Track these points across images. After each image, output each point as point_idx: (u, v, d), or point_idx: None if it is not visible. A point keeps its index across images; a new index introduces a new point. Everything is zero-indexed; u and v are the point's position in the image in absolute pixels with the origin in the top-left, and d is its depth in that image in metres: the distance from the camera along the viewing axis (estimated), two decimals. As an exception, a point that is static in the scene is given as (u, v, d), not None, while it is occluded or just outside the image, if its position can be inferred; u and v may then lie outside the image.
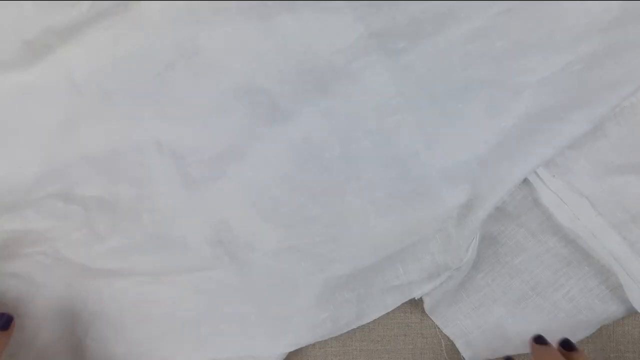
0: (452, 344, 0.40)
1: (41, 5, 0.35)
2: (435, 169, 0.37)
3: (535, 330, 0.38)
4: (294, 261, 0.39)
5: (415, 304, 0.40)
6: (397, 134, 0.37)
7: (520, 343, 0.39)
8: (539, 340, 0.36)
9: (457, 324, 0.40)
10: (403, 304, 0.39)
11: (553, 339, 0.36)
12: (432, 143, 0.37)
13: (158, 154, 0.38)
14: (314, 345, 0.40)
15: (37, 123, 0.38)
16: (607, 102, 0.36)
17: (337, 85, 0.37)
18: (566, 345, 0.36)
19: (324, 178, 0.38)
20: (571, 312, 0.39)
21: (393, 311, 0.40)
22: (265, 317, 0.39)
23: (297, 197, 0.38)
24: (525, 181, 0.38)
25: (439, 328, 0.40)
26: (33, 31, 0.36)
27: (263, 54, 0.37)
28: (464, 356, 0.40)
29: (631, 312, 0.38)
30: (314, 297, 0.38)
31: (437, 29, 0.36)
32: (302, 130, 0.37)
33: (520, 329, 0.39)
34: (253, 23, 0.36)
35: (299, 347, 0.39)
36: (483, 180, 0.38)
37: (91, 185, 0.38)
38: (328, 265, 0.38)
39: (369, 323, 0.40)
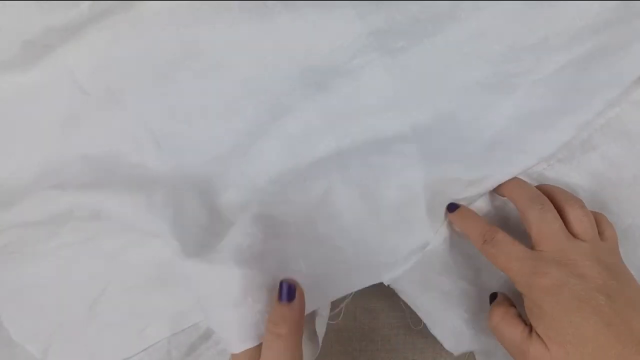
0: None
1: (41, 5, 0.35)
2: (420, 176, 0.37)
3: None
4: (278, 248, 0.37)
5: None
6: (390, 135, 0.38)
7: None
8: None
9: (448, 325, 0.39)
10: (405, 305, 0.40)
11: None
12: (423, 147, 0.37)
13: (158, 154, 0.38)
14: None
15: (38, 123, 0.38)
16: (592, 106, 0.36)
17: (336, 84, 0.37)
18: None
19: (314, 172, 0.38)
20: None
21: (393, 311, 0.40)
22: None
23: (286, 193, 0.38)
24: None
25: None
26: (33, 31, 0.36)
27: (264, 53, 0.37)
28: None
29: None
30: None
31: (436, 29, 0.36)
32: (300, 125, 0.38)
33: None
34: (254, 22, 0.36)
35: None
36: (463, 193, 0.38)
37: (88, 184, 0.38)
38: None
39: (369, 323, 0.40)
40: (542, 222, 0.32)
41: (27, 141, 0.38)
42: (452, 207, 0.37)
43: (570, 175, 0.38)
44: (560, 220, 0.32)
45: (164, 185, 0.38)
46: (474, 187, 0.38)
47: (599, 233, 0.33)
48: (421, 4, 0.36)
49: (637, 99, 0.37)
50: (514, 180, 0.36)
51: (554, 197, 0.34)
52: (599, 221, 0.33)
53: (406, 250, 0.38)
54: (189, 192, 0.38)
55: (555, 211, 0.32)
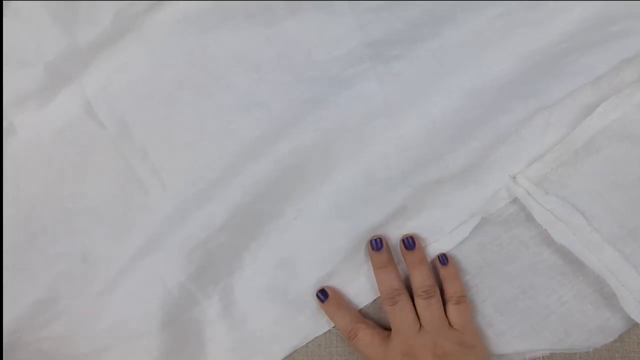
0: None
1: (61, 25, 0.35)
2: (398, 173, 0.38)
3: (524, 329, 0.39)
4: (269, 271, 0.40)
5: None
6: (374, 140, 0.38)
7: (512, 338, 0.39)
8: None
9: None
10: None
11: (543, 339, 0.35)
12: (409, 158, 0.38)
13: (162, 194, 0.38)
14: (319, 345, 0.41)
15: (52, 165, 0.38)
16: (556, 93, 0.37)
17: (329, 94, 0.38)
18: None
19: (302, 184, 0.39)
20: (563, 315, 0.39)
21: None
22: None
23: (277, 206, 0.39)
24: (515, 199, 0.39)
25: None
26: (54, 52, 0.36)
27: (264, 64, 0.37)
28: None
29: (632, 326, 0.38)
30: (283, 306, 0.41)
31: (433, 33, 0.36)
32: (291, 143, 0.38)
33: (509, 326, 0.39)
34: (259, 29, 0.36)
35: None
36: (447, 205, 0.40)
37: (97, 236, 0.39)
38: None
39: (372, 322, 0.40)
40: (394, 317, 0.38)
41: (41, 185, 0.38)
42: (322, 296, 0.39)
43: (574, 178, 0.37)
44: (412, 313, 0.38)
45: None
46: (456, 200, 0.39)
47: (451, 318, 0.38)
48: (422, 7, 0.36)
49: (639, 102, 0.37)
50: (378, 272, 0.39)
51: (412, 283, 0.38)
52: (453, 310, 0.38)
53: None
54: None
55: (408, 303, 0.38)
